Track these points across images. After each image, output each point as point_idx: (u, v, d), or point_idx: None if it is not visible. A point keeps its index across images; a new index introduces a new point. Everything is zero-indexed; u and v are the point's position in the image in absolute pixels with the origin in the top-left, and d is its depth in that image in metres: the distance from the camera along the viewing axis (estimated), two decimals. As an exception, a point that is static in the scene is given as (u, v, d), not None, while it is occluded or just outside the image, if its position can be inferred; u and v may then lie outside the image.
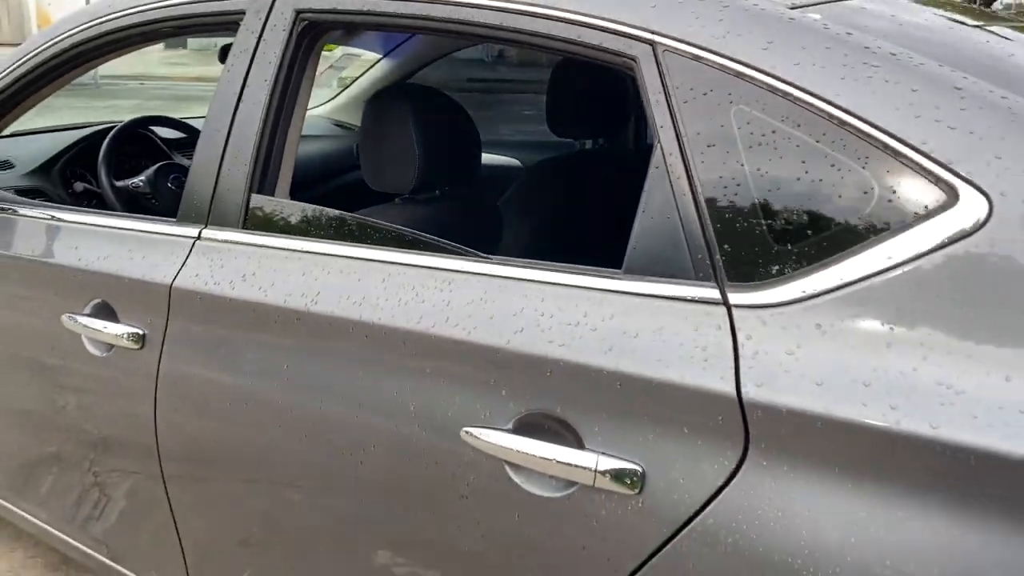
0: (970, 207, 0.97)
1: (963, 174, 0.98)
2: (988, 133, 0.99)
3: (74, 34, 1.90)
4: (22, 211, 1.97)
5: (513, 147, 3.09)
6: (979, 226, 0.97)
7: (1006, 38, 1.30)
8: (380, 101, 1.90)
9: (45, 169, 2.49)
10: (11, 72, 2.02)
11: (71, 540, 2.01)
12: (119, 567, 1.91)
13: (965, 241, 0.97)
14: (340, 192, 2.69)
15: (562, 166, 2.33)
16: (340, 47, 3.36)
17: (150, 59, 18.27)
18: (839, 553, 0.96)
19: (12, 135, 2.48)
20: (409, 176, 1.75)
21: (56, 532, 2.04)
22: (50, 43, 1.95)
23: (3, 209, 1.98)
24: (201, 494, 1.62)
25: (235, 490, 1.56)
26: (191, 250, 1.59)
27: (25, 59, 1.99)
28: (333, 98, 3.39)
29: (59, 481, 1.94)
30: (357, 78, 3.22)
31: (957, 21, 1.32)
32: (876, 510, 0.95)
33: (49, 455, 1.93)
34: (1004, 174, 0.97)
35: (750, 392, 1.02)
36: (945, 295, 0.96)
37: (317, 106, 3.38)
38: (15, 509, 2.13)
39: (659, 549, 1.07)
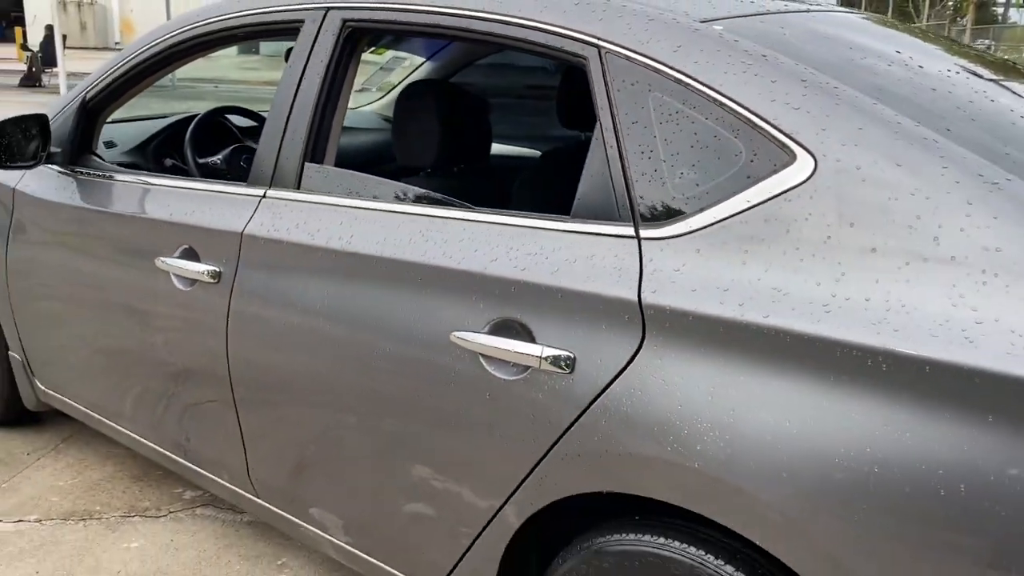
0: (803, 164, 1.37)
1: (800, 141, 1.38)
2: (818, 112, 1.39)
3: (170, 37, 2.39)
4: (121, 177, 2.46)
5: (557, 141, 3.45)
6: (809, 177, 1.36)
7: (871, 42, 1.68)
8: (409, 94, 2.34)
9: (140, 148, 3.00)
10: (118, 69, 2.52)
11: (156, 447, 2.48)
12: (195, 467, 2.38)
13: (799, 188, 1.36)
14: (383, 173, 3.13)
15: (561, 153, 2.74)
16: (390, 51, 3.82)
17: (224, 64, 19.13)
18: (704, 408, 1.35)
19: (114, 121, 2.98)
20: (430, 155, 2.19)
21: (144, 441, 2.52)
22: (150, 45, 2.44)
23: (108, 176, 2.48)
24: (258, 395, 2.07)
25: (283, 395, 2.00)
26: (258, 206, 2.05)
27: (129, 58, 2.49)
28: (381, 97, 3.86)
29: (148, 398, 2.42)
30: (402, 80, 3.69)
31: (830, 32, 1.70)
32: (729, 377, 1.34)
33: (140, 375, 2.40)
34: (826, 141, 1.36)
35: (648, 298, 1.43)
36: (783, 225, 1.35)
37: (368, 104, 3.85)
38: (112, 424, 2.62)
39: (585, 410, 1.48)
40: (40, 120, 2.55)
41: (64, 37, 16.78)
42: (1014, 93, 1.68)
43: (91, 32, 33.12)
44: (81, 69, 20.03)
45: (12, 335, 2.87)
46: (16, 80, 19.00)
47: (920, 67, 1.65)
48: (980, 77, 1.72)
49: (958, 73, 1.68)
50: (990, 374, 1.13)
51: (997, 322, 1.16)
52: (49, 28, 18.17)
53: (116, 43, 34.08)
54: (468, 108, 2.34)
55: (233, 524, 2.63)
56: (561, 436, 1.51)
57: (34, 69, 18.45)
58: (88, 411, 2.69)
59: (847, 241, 1.30)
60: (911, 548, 1.18)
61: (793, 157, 1.38)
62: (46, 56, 18.22)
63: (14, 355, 2.91)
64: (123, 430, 2.59)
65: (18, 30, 26.72)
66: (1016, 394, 1.12)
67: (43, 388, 2.86)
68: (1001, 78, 1.79)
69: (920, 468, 1.17)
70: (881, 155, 1.32)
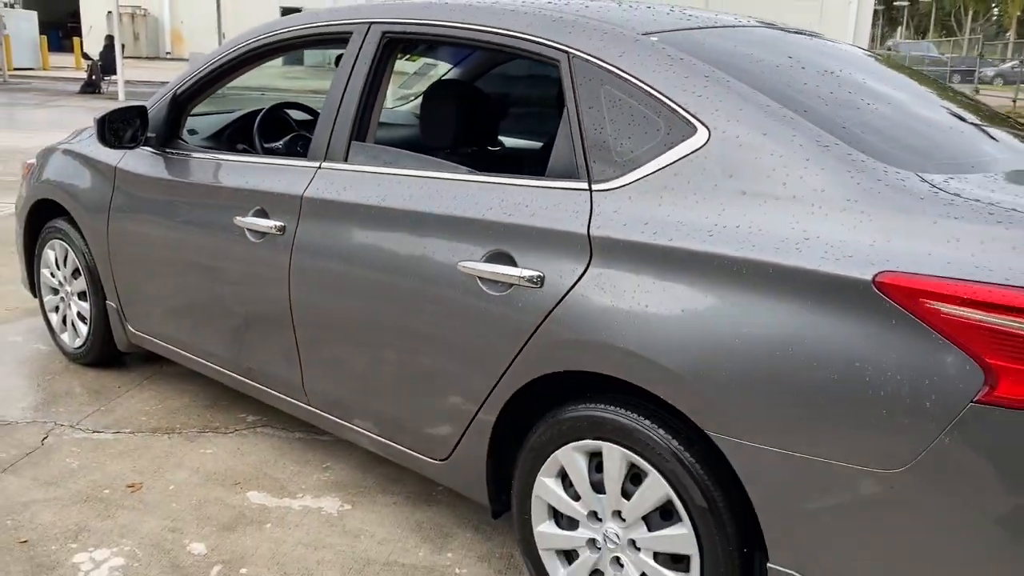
0: (701, 135, 1.94)
1: (699, 118, 1.95)
2: (713, 98, 1.96)
3: (244, 46, 3.02)
4: (204, 156, 3.09)
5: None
6: (704, 144, 1.93)
7: (772, 49, 2.25)
8: (431, 92, 2.94)
9: (216, 136, 3.63)
10: (202, 71, 3.16)
11: (230, 372, 3.10)
12: (261, 386, 2.99)
13: (697, 152, 1.93)
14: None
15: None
16: (422, 59, 4.45)
17: (270, 73, 19.97)
18: (628, 305, 1.92)
19: (195, 115, 3.62)
20: (448, 136, 2.79)
21: (220, 368, 3.14)
22: (228, 52, 3.07)
23: (194, 155, 3.11)
24: (313, 322, 2.67)
25: (332, 321, 2.60)
26: (315, 175, 2.66)
27: (211, 62, 3.13)
28: (415, 99, 4.49)
29: (223, 332, 3.03)
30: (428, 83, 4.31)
31: (741, 42, 2.27)
32: (646, 283, 1.91)
33: (217, 314, 3.02)
34: (717, 119, 1.93)
35: (594, 232, 2.01)
36: (686, 178, 1.93)
37: (402, 104, 4.48)
38: (193, 356, 3.24)
39: (550, 312, 2.06)
40: (140, 110, 3.20)
41: (122, 47, 17.74)
42: (878, 86, 2.25)
43: (143, 42, 34.40)
44: (135, 77, 21.04)
45: (110, 287, 3.51)
46: (77, 87, 20.04)
47: (802, 67, 2.22)
48: (853, 74, 2.28)
49: (833, 72, 2.24)
50: (811, 272, 1.70)
51: (818, 238, 1.73)
52: (109, 38, 19.18)
53: (167, 53, 35.35)
54: (475, 103, 2.94)
55: (287, 440, 3.24)
56: (533, 332, 2.10)
57: (94, 76, 19.47)
58: (173, 347, 3.32)
59: (727, 187, 1.87)
60: (764, 394, 1.75)
61: (695, 130, 1.96)
62: (105, 64, 19.22)
63: (111, 304, 3.55)
64: (202, 361, 3.21)
65: (76, 40, 27.95)
66: (827, 283, 1.68)
67: (133, 331, 3.50)
68: (870, 75, 2.35)
69: (768, 337, 1.74)
70: (753, 128, 1.89)
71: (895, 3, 45.78)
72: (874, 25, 47.80)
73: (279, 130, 3.59)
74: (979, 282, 1.56)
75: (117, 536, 2.59)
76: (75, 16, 35.42)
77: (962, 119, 2.35)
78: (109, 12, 21.78)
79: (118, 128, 3.18)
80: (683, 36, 2.21)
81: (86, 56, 21.18)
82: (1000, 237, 1.60)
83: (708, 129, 1.94)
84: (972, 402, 1.55)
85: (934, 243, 1.63)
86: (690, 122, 1.97)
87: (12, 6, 26.20)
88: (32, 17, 26.86)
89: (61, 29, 36.95)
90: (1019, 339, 1.52)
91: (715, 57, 2.10)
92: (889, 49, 35.59)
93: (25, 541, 2.55)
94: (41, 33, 27.26)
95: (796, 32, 2.66)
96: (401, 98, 4.66)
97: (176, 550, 2.53)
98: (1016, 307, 1.52)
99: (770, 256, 1.76)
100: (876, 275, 1.63)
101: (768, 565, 1.83)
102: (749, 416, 1.77)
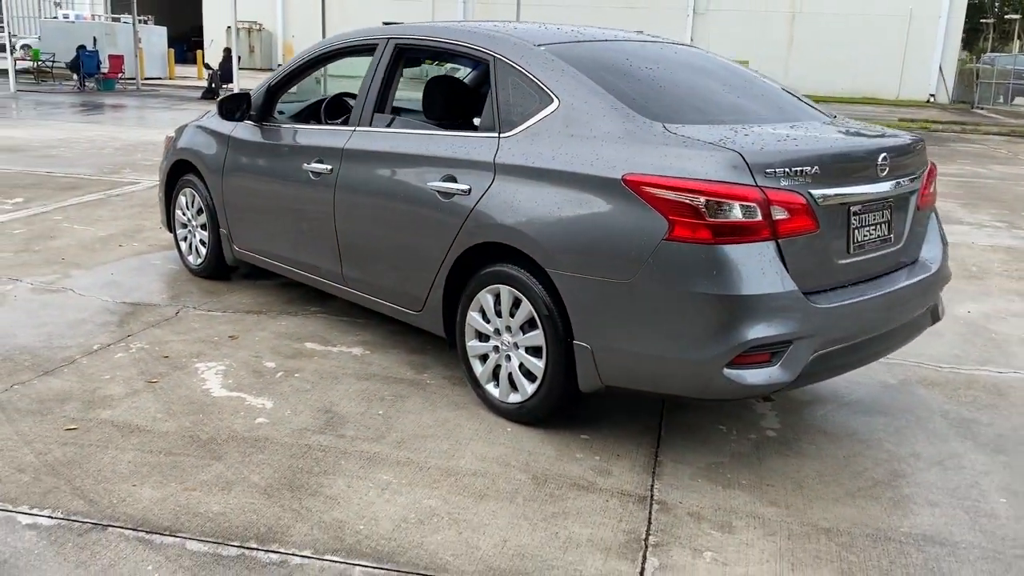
0: (555, 104, 3.36)
1: (555, 94, 3.37)
2: (564, 81, 3.37)
3: (311, 55, 4.57)
4: (287, 126, 4.64)
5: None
6: (556, 109, 3.35)
7: (632, 55, 3.65)
8: (430, 82, 4.41)
9: (296, 115, 5.19)
10: (287, 70, 4.72)
11: (302, 271, 4.63)
12: (320, 278, 4.51)
13: (552, 113, 3.35)
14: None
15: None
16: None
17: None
18: (514, 201, 3.35)
19: (286, 102, 5.19)
20: (438, 108, 4.27)
21: (295, 270, 4.68)
22: (302, 58, 4.63)
23: (281, 126, 4.68)
24: (348, 229, 4.17)
25: (359, 227, 4.08)
26: (352, 134, 4.18)
27: (292, 64, 4.69)
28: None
29: (296, 244, 4.57)
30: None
31: (609, 51, 3.66)
32: (525, 189, 3.33)
33: (292, 231, 4.56)
34: (563, 94, 3.35)
35: (497, 160, 3.45)
36: (546, 128, 3.34)
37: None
38: (278, 263, 4.79)
39: (474, 207, 3.50)
40: (246, 96, 4.80)
41: (239, 58, 19.93)
42: (687, 75, 3.62)
43: (258, 54, 37.22)
44: (250, 86, 23.40)
45: (223, 219, 5.11)
46: (198, 94, 22.46)
47: (648, 69, 3.60)
48: (673, 67, 3.65)
49: (655, 66, 3.61)
50: (596, 176, 3.10)
51: (601, 157, 3.12)
52: (227, 51, 21.49)
53: (278, 64, 38.11)
54: (447, 89, 4.37)
55: (336, 320, 4.75)
56: (465, 221, 3.54)
57: (213, 84, 21.82)
58: (262, 257, 4.89)
59: (564, 132, 3.29)
60: (573, 245, 3.14)
61: (552, 100, 3.38)
62: (223, 73, 21.54)
63: (223, 231, 5.15)
64: (282, 265, 4.76)
65: (199, 52, 30.71)
66: (603, 182, 3.06)
67: (237, 248, 5.09)
68: (691, 69, 3.72)
69: (576, 213, 3.13)
70: (581, 99, 3.30)
71: (982, 20, 45.03)
72: (984, 39, 47.04)
73: (338, 110, 5.14)
74: (667, 176, 2.94)
75: (221, 357, 4.15)
76: (199, 31, 38.58)
77: (748, 95, 3.68)
78: (229, 27, 24.21)
79: (232, 108, 4.77)
80: (560, 47, 3.62)
81: (207, 66, 23.65)
82: (683, 155, 2.97)
83: (559, 100, 3.36)
84: (662, 240, 2.93)
85: (652, 158, 3.02)
86: (550, 96, 3.39)
87: (146, 22, 29.05)
88: (162, 32, 29.71)
89: (186, 43, 40.23)
90: (683, 204, 2.89)
91: (574, 59, 3.51)
92: (979, 62, 35.31)
93: (167, 356, 4.13)
94: (168, 47, 30.13)
95: (656, 42, 4.03)
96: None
97: (256, 364, 4.07)
98: (680, 188, 2.89)
99: (578, 168, 3.16)
100: (623, 175, 3.03)
101: (574, 342, 3.22)
102: (566, 258, 3.17)
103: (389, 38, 4.17)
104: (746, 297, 2.89)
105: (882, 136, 3.55)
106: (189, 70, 32.59)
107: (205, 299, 5.06)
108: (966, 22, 34.86)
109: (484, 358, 3.65)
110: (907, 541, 2.82)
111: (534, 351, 3.42)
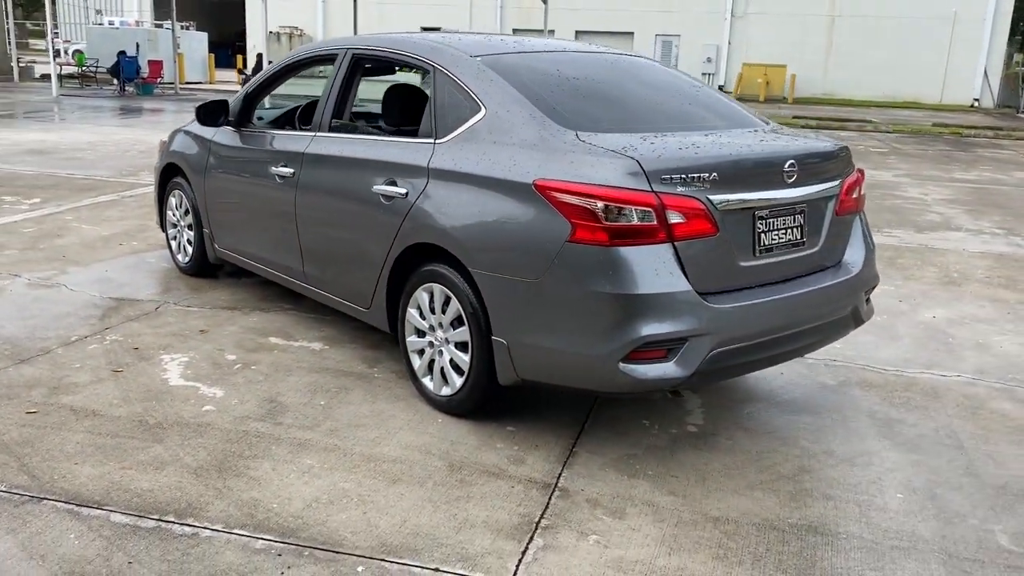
0: (483, 112, 3.55)
1: (483, 103, 3.56)
2: (493, 93, 3.57)
3: (283, 64, 4.81)
4: (261, 131, 4.89)
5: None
6: (483, 117, 3.54)
7: (560, 64, 3.82)
8: (386, 90, 4.62)
9: (273, 121, 5.45)
10: (261, 78, 4.97)
11: (271, 270, 4.88)
12: (284, 275, 4.75)
13: (480, 121, 3.54)
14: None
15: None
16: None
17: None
18: (443, 204, 3.54)
19: (262, 108, 5.44)
20: (392, 117, 4.47)
21: (267, 268, 4.92)
22: (275, 67, 4.87)
23: (256, 131, 4.93)
24: (307, 228, 4.40)
25: (314, 225, 4.31)
26: (312, 139, 4.41)
27: (267, 73, 4.93)
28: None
29: (265, 243, 4.81)
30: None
31: (540, 60, 3.84)
32: (453, 192, 3.52)
33: (261, 231, 4.80)
34: (490, 103, 3.53)
35: (431, 164, 3.65)
36: (474, 135, 3.53)
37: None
38: (251, 262, 5.05)
39: (410, 209, 3.70)
40: (223, 103, 5.06)
41: (270, 62, 20.35)
42: (616, 83, 3.78)
43: (297, 59, 37.82)
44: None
45: (205, 219, 5.38)
46: (232, 98, 22.98)
47: (578, 79, 3.77)
48: (601, 76, 3.82)
49: (581, 76, 3.77)
50: (512, 180, 3.28)
51: (517, 163, 3.30)
52: (259, 56, 22.01)
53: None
54: (395, 98, 4.56)
55: (303, 316, 4.98)
56: (402, 223, 3.74)
57: (247, 89, 22.32)
58: (240, 257, 5.14)
59: (489, 139, 3.47)
60: (491, 245, 3.33)
61: (480, 109, 3.57)
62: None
63: (205, 230, 5.42)
64: (257, 265, 5.01)
65: (239, 57, 31.41)
66: (517, 186, 3.24)
67: (218, 248, 5.35)
68: (625, 77, 3.88)
69: (494, 215, 3.32)
70: (504, 108, 3.49)
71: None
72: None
73: (311, 116, 5.37)
74: (571, 181, 3.11)
75: (187, 349, 4.40)
76: (242, 36, 39.41)
77: (679, 104, 3.84)
78: (271, 32, 24.82)
79: (206, 114, 5.03)
80: (495, 57, 3.81)
81: (241, 71, 24.19)
82: (587, 162, 3.14)
83: (486, 108, 3.55)
84: (566, 241, 3.10)
85: (560, 164, 3.19)
86: (479, 105, 3.58)
87: (187, 28, 29.82)
88: (203, 38, 30.47)
89: (230, 47, 41.12)
90: (583, 209, 3.06)
91: (505, 69, 3.70)
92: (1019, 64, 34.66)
93: (136, 348, 4.40)
94: (212, 51, 30.87)
95: (598, 53, 4.20)
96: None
97: (218, 357, 4.32)
98: (581, 193, 3.06)
99: (497, 173, 3.35)
100: (533, 180, 3.21)
101: (492, 338, 3.40)
102: (485, 258, 3.36)
103: (347, 48, 4.39)
104: (640, 296, 3.04)
105: (797, 143, 3.67)
106: (230, 75, 33.32)
107: (187, 295, 5.34)
108: (1014, 25, 34.16)
109: (421, 353, 3.84)
110: (790, 531, 2.95)
111: (462, 346, 3.60)
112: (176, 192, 5.70)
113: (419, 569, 2.66)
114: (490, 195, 3.37)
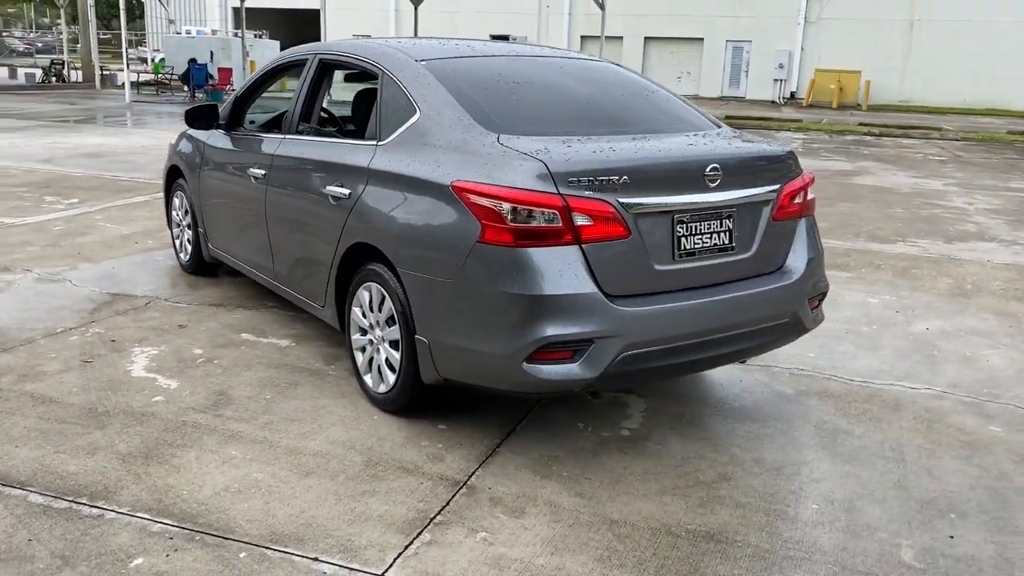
0: (418, 114, 3.62)
1: (419, 106, 3.62)
2: (428, 96, 3.62)
3: (265, 70, 4.96)
4: (248, 135, 5.05)
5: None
6: (418, 119, 3.61)
7: (502, 69, 3.86)
8: (357, 96, 4.72)
9: (263, 125, 5.62)
10: (248, 83, 5.14)
11: (249, 267, 5.04)
12: (258, 272, 4.90)
13: (415, 123, 3.61)
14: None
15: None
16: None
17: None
18: (381, 204, 3.62)
19: (254, 112, 5.62)
20: (358, 120, 4.57)
21: (246, 266, 5.08)
22: (258, 72, 5.03)
23: (243, 135, 5.09)
24: (275, 226, 4.53)
25: (282, 224, 4.44)
26: (281, 142, 4.54)
27: (252, 78, 5.10)
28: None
29: (245, 242, 4.97)
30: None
31: (479, 65, 3.88)
32: (387, 192, 3.60)
33: (242, 230, 4.96)
34: (425, 105, 3.60)
35: (371, 165, 3.73)
36: (409, 138, 3.60)
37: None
38: (235, 260, 5.22)
39: (351, 209, 3.79)
40: (213, 107, 5.24)
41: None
42: (558, 86, 3.80)
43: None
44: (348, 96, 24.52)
45: (200, 219, 5.58)
46: (297, 104, 23.56)
47: (516, 82, 3.81)
48: (542, 79, 3.85)
49: (521, 80, 3.80)
50: (435, 182, 3.34)
51: (441, 165, 3.36)
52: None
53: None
54: (357, 99, 4.65)
55: (282, 314, 5.12)
56: (345, 223, 3.83)
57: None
58: (227, 255, 5.32)
59: (421, 142, 3.54)
60: (416, 244, 3.39)
61: (416, 112, 3.63)
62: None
63: (200, 230, 5.62)
64: (240, 263, 5.18)
65: (309, 65, 31.98)
66: (438, 187, 3.30)
67: (211, 247, 5.54)
68: (569, 80, 3.90)
69: (420, 215, 3.38)
70: (436, 111, 3.54)
71: None
72: None
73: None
74: (482, 183, 3.15)
75: (160, 343, 4.58)
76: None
77: (622, 109, 3.83)
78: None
79: (194, 117, 5.22)
80: (438, 62, 3.87)
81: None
82: (500, 164, 3.17)
83: (420, 111, 3.62)
84: (476, 242, 3.14)
85: (476, 166, 3.23)
86: (415, 107, 3.65)
87: (260, 36, 30.67)
88: (275, 46, 31.25)
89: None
90: (492, 210, 3.10)
91: (444, 73, 3.76)
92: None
93: (113, 340, 4.60)
94: (283, 59, 31.55)
95: (549, 57, 4.22)
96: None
97: (187, 351, 4.48)
98: (490, 195, 3.10)
99: (423, 175, 3.41)
100: (451, 182, 3.25)
101: (416, 336, 3.46)
102: (410, 258, 3.42)
103: (316, 54, 4.52)
104: (543, 296, 3.06)
105: (728, 148, 3.60)
106: (302, 82, 34.11)
107: (181, 292, 5.54)
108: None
109: (363, 350, 3.92)
110: (685, 537, 2.92)
111: (395, 344, 3.67)
112: (179, 193, 5.92)
113: (299, 558, 2.73)
114: (416, 196, 3.43)
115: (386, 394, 3.73)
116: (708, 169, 3.33)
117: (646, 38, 36.24)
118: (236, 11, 33.14)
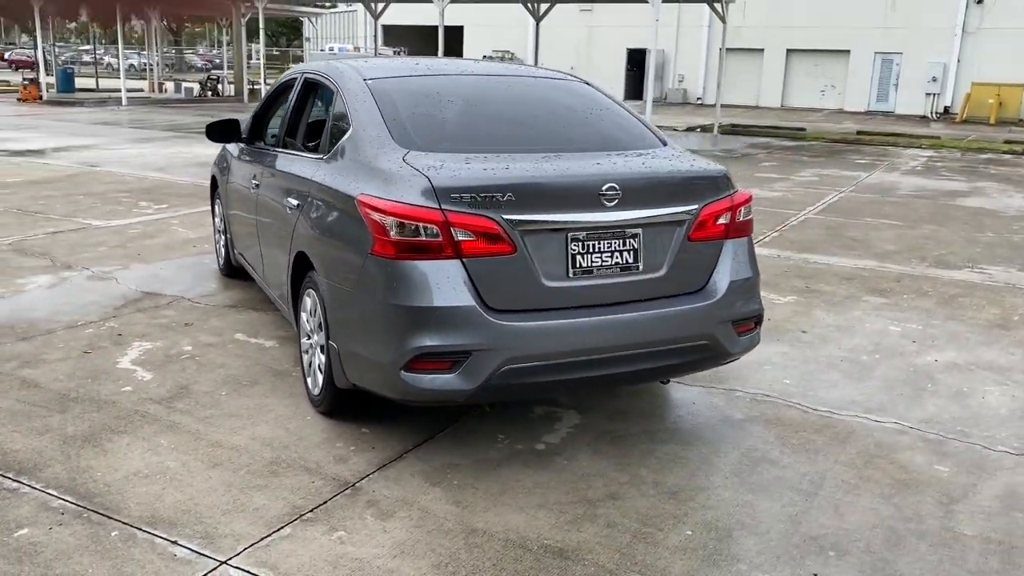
0: (351, 130, 3.80)
1: (353, 122, 3.81)
2: (363, 111, 3.80)
3: (276, 86, 5.29)
4: (260, 149, 5.40)
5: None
6: (351, 134, 3.79)
7: (449, 87, 3.99)
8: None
9: (271, 139, 5.96)
10: (264, 100, 5.49)
11: (254, 272, 5.37)
12: (257, 276, 5.22)
13: (349, 139, 3.80)
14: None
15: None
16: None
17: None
18: (310, 215, 3.83)
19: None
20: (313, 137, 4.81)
21: (252, 270, 5.42)
22: (270, 90, 5.37)
23: (257, 148, 5.45)
24: (263, 230, 4.83)
25: (266, 228, 4.73)
26: (269, 155, 4.84)
27: (266, 96, 5.45)
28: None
29: (249, 246, 5.31)
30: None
31: (426, 83, 4.02)
32: (320, 203, 3.81)
33: (247, 235, 5.30)
34: (360, 121, 3.78)
35: (314, 179, 3.94)
36: (341, 154, 3.79)
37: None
38: (248, 264, 5.58)
39: (296, 222, 4.01)
40: (234, 122, 5.62)
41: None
42: (498, 105, 3.89)
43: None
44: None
45: (227, 225, 5.99)
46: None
47: (451, 101, 3.93)
48: (484, 98, 3.95)
49: (459, 100, 3.91)
50: (350, 195, 3.51)
51: (357, 182, 3.53)
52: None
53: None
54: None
55: (278, 317, 5.42)
56: (293, 231, 4.06)
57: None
58: (244, 262, 5.69)
59: (351, 157, 3.72)
60: (330, 253, 3.58)
61: (350, 127, 3.82)
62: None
63: (228, 235, 6.03)
64: (249, 268, 5.53)
65: (444, 79, 32.94)
66: (351, 201, 3.47)
67: (236, 252, 5.94)
68: (513, 98, 3.98)
69: (337, 226, 3.56)
70: (365, 127, 3.72)
71: None
72: None
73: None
74: (376, 197, 3.29)
75: (159, 339, 4.97)
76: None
77: (565, 128, 3.89)
78: (484, 56, 26.11)
79: (214, 131, 5.60)
80: (383, 80, 4.04)
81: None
82: (393, 179, 3.31)
83: (353, 127, 3.80)
84: (368, 254, 3.29)
85: (378, 181, 3.38)
86: (350, 124, 3.84)
87: (399, 53, 31.91)
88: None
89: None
90: (380, 224, 3.24)
91: (383, 91, 3.92)
92: None
93: (120, 334, 5.02)
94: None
95: (498, 75, 4.31)
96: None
97: (177, 347, 4.84)
98: (379, 209, 3.24)
99: (341, 188, 3.59)
100: (356, 196, 3.42)
101: (328, 342, 3.63)
102: (326, 267, 3.61)
103: (303, 73, 4.79)
104: (418, 308, 3.17)
105: (637, 166, 3.58)
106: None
107: (207, 293, 5.96)
108: None
109: (307, 353, 4.13)
110: (536, 551, 2.95)
111: (323, 349, 3.86)
112: (217, 201, 6.37)
113: (161, 540, 2.95)
114: (336, 209, 3.62)
115: (317, 396, 3.93)
116: (604, 188, 3.34)
117: (788, 50, 35.17)
118: (382, 28, 34.72)
